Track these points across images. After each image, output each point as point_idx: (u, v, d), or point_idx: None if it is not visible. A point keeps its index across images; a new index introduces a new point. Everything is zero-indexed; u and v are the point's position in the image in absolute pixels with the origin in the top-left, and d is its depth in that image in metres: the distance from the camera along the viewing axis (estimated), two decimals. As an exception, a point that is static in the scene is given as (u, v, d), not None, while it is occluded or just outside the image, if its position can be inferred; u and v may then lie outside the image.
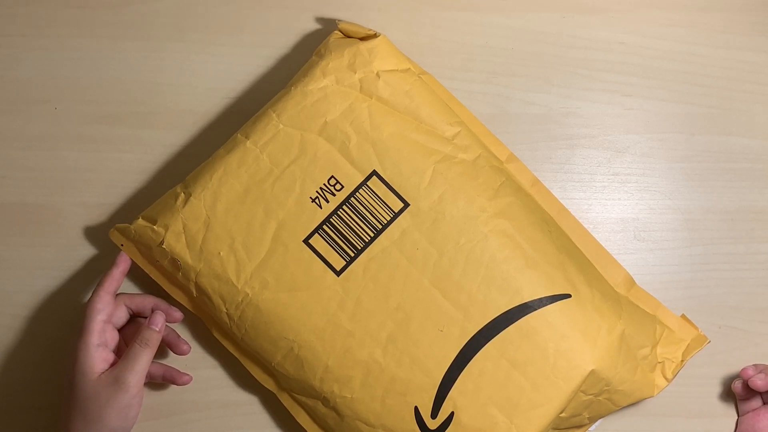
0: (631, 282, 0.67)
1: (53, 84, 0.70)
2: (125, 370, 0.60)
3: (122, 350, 0.63)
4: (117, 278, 0.63)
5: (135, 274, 0.67)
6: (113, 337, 0.63)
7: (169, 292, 0.66)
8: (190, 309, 0.66)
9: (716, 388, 0.69)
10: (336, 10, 0.70)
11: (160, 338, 0.62)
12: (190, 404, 0.68)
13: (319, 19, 0.70)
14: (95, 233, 0.69)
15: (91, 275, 0.68)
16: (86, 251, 0.69)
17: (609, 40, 0.71)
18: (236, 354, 0.66)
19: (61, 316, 0.68)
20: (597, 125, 0.71)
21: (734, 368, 0.69)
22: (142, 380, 0.60)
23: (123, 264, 0.64)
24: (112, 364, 0.61)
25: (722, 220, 0.71)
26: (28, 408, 0.67)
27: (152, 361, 0.62)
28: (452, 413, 0.61)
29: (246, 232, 0.62)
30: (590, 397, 0.63)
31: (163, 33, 0.70)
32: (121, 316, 0.64)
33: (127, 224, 0.64)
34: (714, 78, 0.72)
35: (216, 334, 0.66)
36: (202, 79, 0.70)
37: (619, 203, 0.71)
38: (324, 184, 0.62)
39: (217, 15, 0.70)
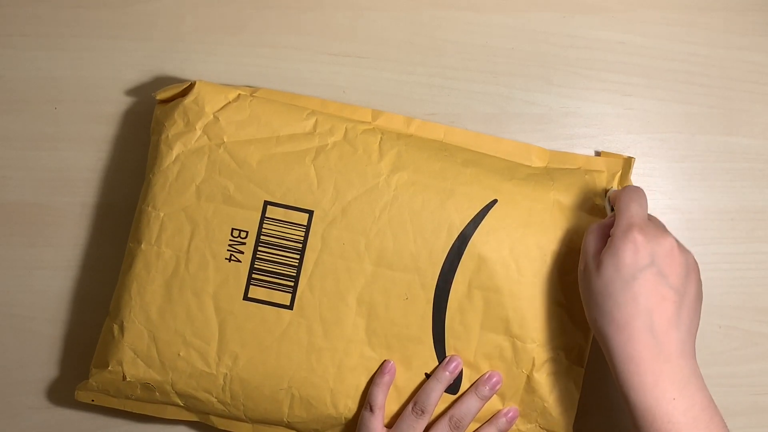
0: (543, 152, 0.67)
1: (53, 84, 0.70)
2: None
3: None
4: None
5: (122, 416, 0.67)
6: None
7: (161, 416, 0.64)
8: (187, 418, 0.65)
9: (717, 388, 0.69)
10: (335, 10, 0.70)
11: None
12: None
13: (321, 19, 0.70)
14: (95, 233, 0.69)
15: (91, 275, 0.68)
16: (86, 251, 0.69)
17: (609, 40, 0.71)
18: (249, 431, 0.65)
19: (61, 316, 0.68)
20: (597, 125, 0.71)
21: (735, 368, 0.69)
22: None
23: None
24: None
25: (722, 220, 0.70)
26: (28, 408, 0.67)
27: None
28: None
29: (190, 322, 0.62)
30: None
31: (163, 33, 0.70)
32: None
33: (85, 380, 0.64)
34: (714, 78, 0.71)
35: (221, 425, 0.65)
36: (202, 79, 0.70)
37: (619, 203, 0.71)
38: (230, 240, 0.62)
39: (217, 15, 0.70)
